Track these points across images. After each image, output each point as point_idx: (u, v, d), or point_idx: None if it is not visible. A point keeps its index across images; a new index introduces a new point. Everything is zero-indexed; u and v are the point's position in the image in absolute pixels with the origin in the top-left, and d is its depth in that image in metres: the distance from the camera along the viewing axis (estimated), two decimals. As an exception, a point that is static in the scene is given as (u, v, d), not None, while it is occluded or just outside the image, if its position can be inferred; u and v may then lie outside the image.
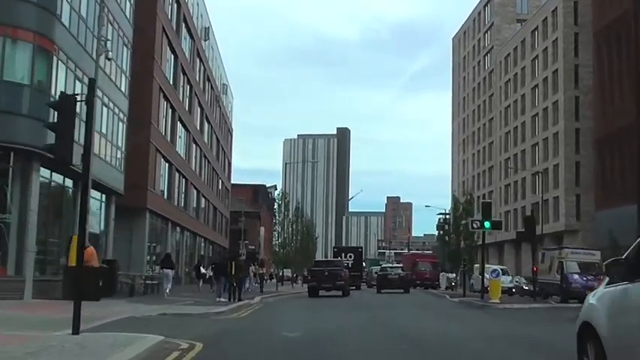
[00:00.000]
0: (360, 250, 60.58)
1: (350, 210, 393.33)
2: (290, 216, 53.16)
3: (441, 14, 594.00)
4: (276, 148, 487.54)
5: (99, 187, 28.59)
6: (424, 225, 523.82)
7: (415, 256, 73.73)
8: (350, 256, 53.29)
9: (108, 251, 30.52)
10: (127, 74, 32.31)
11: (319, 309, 24.13)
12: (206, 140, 61.41)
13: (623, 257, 5.85)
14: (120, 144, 31.43)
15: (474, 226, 31.89)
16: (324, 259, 53.05)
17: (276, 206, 47.18)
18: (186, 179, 50.05)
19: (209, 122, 63.06)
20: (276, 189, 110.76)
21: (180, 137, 47.42)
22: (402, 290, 40.82)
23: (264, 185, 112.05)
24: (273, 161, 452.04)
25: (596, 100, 65.44)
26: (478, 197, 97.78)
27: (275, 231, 50.78)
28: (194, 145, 53.76)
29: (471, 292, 38.40)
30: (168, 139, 42.75)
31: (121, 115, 31.10)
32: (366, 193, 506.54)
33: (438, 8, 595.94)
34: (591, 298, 6.35)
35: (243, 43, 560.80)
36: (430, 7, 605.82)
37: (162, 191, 41.77)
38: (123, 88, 31.53)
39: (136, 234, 36.28)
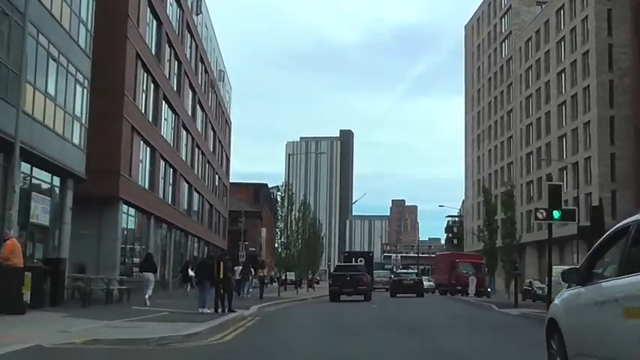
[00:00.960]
0: (370, 254, 60.05)
1: (354, 214, 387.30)
2: (294, 211, 46.81)
3: (442, 17, 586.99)
4: (279, 152, 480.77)
5: (48, 166, 21.99)
6: (429, 230, 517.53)
7: (454, 255, 65.50)
8: (360, 261, 51.55)
9: (62, 249, 23.87)
10: (89, 27, 25.68)
11: (339, 326, 17.42)
12: (199, 129, 54.82)
13: (578, 267, 7.49)
14: (79, 114, 24.77)
15: (539, 216, 25.15)
16: (345, 263, 51.31)
17: (278, 199, 40.61)
18: (174, 169, 43.43)
19: (203, 109, 56.48)
20: (278, 190, 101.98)
21: (166, 120, 40.80)
22: (414, 294, 42.20)
23: (266, 184, 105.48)
24: (275, 165, 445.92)
25: (634, 83, 58.80)
26: (495, 196, 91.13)
27: (277, 228, 44.03)
28: (184, 132, 47.15)
29: (525, 302, 33.02)
30: (150, 119, 36.13)
31: (80, 78, 24.43)
32: (370, 197, 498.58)
33: (439, 11, 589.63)
34: (556, 299, 7.86)
35: (242, 46, 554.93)
36: (432, 10, 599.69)
37: (142, 180, 35.10)
38: (82, 43, 24.87)
39: (106, 229, 29.62)
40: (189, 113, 49.30)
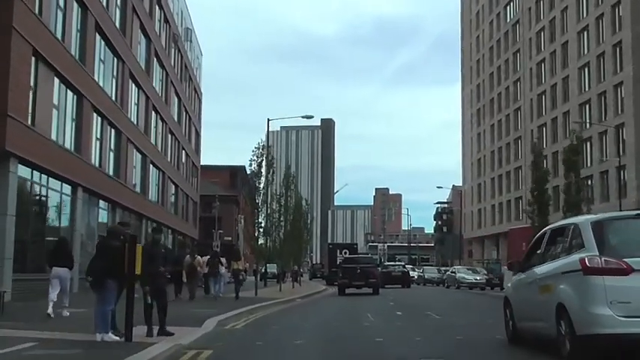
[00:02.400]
0: (355, 246, 59.03)
1: (336, 204, 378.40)
2: (276, 185, 36.92)
3: (422, 10, 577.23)
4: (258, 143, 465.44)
5: None
6: (413, 220, 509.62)
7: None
8: (345, 253, 50.94)
9: None
10: None
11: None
12: (157, 87, 44.60)
13: (521, 260, 11.22)
14: None
15: None
16: (354, 255, 47.86)
17: (253, 166, 30.48)
18: (119, 131, 33.27)
19: (163, 67, 46.31)
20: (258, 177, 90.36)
21: (102, 62, 30.58)
22: (400, 285, 43.88)
23: (244, 167, 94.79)
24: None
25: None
26: (500, 176, 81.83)
27: (255, 209, 33.94)
28: (133, 85, 36.94)
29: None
30: (72, 50, 25.88)
31: None
32: (352, 188, 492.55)
33: (420, 3, 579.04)
34: (508, 283, 12.29)
35: (222, 39, 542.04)
36: (412, 3, 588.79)
37: (59, 134, 24.86)
38: None
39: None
40: (142, 66, 39.10)
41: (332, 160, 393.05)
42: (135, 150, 37.38)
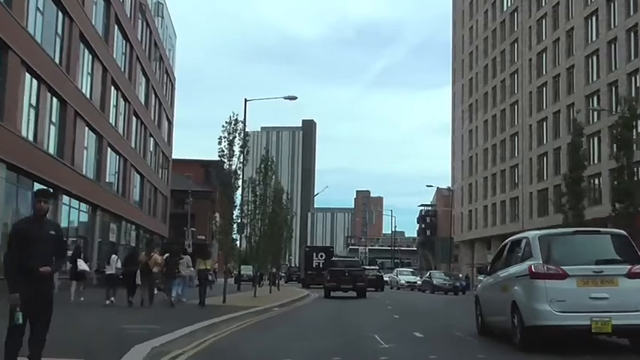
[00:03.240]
0: (331, 249, 59.12)
1: (316, 206, 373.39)
2: (251, 170, 31.37)
3: (404, 14, 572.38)
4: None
5: None
6: (390, 225, 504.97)
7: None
8: (321, 256, 51.30)
9: None
10: None
11: None
12: (120, 63, 38.92)
13: (488, 264, 14.38)
14: None
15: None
16: (341, 258, 53.91)
17: (223, 144, 24.63)
18: (64, 102, 27.56)
19: (127, 39, 40.66)
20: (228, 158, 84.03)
21: (40, 11, 24.89)
22: (374, 289, 43.74)
23: (220, 161, 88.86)
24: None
25: None
26: (494, 175, 76.79)
27: (230, 201, 28.09)
28: (87, 52, 31.26)
29: None
30: (30, 30, 20.24)
31: None
32: (332, 191, 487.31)
33: (402, 8, 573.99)
34: (479, 284, 15.39)
35: (205, 39, 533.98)
36: (394, 7, 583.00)
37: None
38: None
39: None
40: (96, 27, 33.39)
41: (312, 162, 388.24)
42: (87, 127, 31.72)
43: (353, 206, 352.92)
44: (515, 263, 11.67)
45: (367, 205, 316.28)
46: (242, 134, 25.38)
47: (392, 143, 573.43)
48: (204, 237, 72.03)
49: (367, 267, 56.56)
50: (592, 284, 10.33)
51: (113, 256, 23.16)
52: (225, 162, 24.88)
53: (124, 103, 40.45)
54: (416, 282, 57.19)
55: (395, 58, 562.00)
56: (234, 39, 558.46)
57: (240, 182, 28.24)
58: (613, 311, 10.16)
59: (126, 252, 30.14)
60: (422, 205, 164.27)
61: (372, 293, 39.59)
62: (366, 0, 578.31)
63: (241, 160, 25.34)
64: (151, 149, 51.91)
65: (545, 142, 63.89)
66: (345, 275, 33.59)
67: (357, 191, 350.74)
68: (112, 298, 21.06)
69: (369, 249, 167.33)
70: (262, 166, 32.79)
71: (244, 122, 30.20)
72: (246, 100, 39.39)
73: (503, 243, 13.36)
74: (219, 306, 21.62)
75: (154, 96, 51.97)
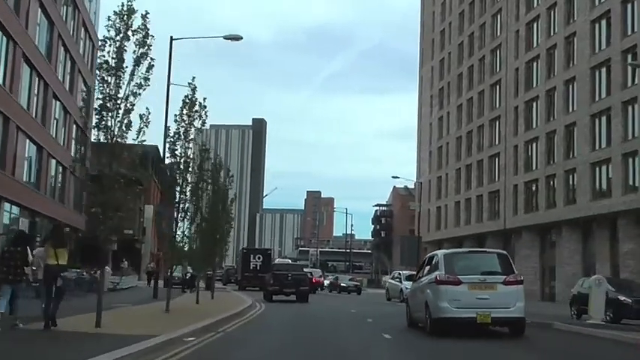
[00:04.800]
0: (269, 252, 58.85)
1: (265, 207, 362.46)
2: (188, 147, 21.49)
3: (356, 19, 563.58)
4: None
5: None
6: (344, 227, 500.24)
7: None
8: (259, 258, 51.40)
9: None
10: None
11: None
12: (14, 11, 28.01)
13: (415, 273, 21.57)
14: None
15: None
16: (284, 262, 53.72)
17: (108, 51, 14.88)
18: None
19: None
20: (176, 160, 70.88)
21: None
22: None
23: (156, 146, 77.30)
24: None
25: None
26: (468, 165, 67.43)
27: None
28: None
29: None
30: None
31: None
32: (283, 193, 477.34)
33: (353, 12, 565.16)
34: (409, 289, 20.57)
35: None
36: (345, 12, 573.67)
37: None
38: None
39: None
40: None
41: (262, 162, 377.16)
42: None
43: (303, 208, 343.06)
44: (430, 273, 16.22)
45: (318, 206, 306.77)
46: (144, 34, 14.70)
47: (343, 147, 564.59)
48: (131, 231, 60.78)
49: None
50: (478, 289, 14.90)
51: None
52: (108, 89, 14.33)
53: (29, 73, 29.69)
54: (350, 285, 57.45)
55: (346, 62, 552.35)
56: (182, 40, 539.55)
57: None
58: (492, 308, 14.73)
59: None
60: (377, 205, 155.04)
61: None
62: (318, 4, 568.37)
63: (141, 83, 14.72)
64: (56, 116, 40.91)
65: (534, 125, 54.64)
66: (288, 279, 33.21)
67: (307, 191, 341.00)
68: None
69: (320, 251, 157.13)
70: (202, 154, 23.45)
71: (169, 66, 20.95)
72: (172, 39, 29.34)
73: (425, 257, 19.83)
74: (81, 334, 11.23)
75: (62, 50, 41.04)
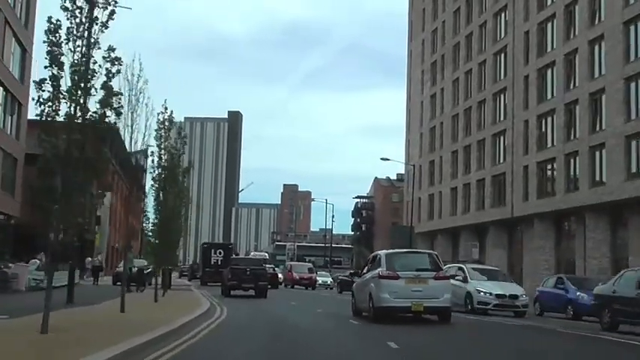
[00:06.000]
0: (230, 246, 58.23)
1: (241, 201, 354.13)
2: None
3: (333, 16, 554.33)
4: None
5: None
6: (321, 222, 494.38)
7: None
8: (220, 253, 50.24)
9: None
10: None
11: None
12: None
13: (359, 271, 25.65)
14: None
15: None
16: (243, 256, 58.74)
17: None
18: None
19: None
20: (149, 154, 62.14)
21: None
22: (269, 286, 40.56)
23: (116, 127, 68.86)
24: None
25: None
26: (467, 147, 59.77)
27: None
28: None
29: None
30: None
31: None
32: (258, 188, 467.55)
33: (330, 10, 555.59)
34: (355, 283, 21.97)
35: (132, 35, 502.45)
36: (322, 8, 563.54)
37: None
38: None
39: None
40: None
41: (238, 156, 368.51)
42: None
43: (280, 202, 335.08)
44: (373, 269, 18.85)
45: (294, 199, 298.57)
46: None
47: (320, 144, 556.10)
48: (81, 220, 52.29)
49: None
50: (413, 283, 17.53)
51: None
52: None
53: None
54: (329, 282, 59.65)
55: (324, 59, 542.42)
56: (156, 35, 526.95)
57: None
58: (424, 298, 17.40)
59: None
60: (358, 197, 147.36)
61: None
62: (295, 0, 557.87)
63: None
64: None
65: (550, 95, 47.02)
66: (246, 274, 32.84)
67: (284, 184, 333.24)
68: None
69: (297, 245, 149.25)
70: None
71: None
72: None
73: (370, 255, 23.38)
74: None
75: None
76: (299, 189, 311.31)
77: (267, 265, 53.03)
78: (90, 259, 47.27)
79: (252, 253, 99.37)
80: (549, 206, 45.95)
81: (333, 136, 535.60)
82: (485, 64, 56.69)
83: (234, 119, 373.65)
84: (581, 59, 43.03)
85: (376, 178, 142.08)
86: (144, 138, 17.98)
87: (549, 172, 46.77)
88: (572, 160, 43.96)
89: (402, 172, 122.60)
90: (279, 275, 56.43)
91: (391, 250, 20.82)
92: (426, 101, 68.95)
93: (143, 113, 17.77)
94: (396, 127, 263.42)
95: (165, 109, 23.10)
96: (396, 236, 66.22)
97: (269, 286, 36.59)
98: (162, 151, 23.15)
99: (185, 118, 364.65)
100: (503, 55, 53.91)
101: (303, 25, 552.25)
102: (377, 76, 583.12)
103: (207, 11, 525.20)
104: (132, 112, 17.10)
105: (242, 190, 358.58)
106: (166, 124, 23.17)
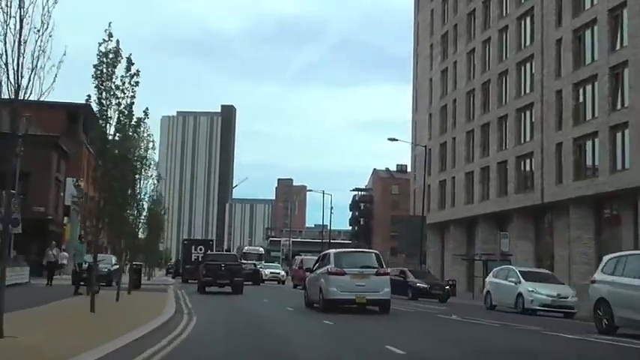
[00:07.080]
0: (210, 242, 58.89)
1: (235, 197, 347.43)
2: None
3: (326, 11, 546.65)
4: (154, 129, 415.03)
5: None
6: (317, 218, 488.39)
7: None
8: (200, 249, 48.92)
9: None
10: None
11: None
12: None
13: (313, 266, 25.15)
14: None
15: None
16: (218, 252, 55.69)
17: None
18: None
19: None
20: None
21: None
22: (251, 283, 43.39)
23: (89, 106, 61.65)
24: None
25: None
26: (484, 125, 52.90)
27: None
28: None
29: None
30: None
31: None
32: (253, 185, 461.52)
33: (323, 5, 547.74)
34: (307, 278, 23.91)
35: (125, 31, 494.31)
36: (315, 4, 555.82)
37: None
38: None
39: None
40: None
41: (232, 151, 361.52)
42: None
43: (274, 197, 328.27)
44: (324, 266, 21.19)
45: (289, 194, 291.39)
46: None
47: (315, 139, 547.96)
48: (43, 209, 45.23)
49: (242, 261, 54.70)
50: (357, 278, 19.84)
51: None
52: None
53: None
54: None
55: (318, 55, 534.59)
56: (150, 30, 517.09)
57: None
58: (367, 292, 19.79)
59: None
60: (355, 190, 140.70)
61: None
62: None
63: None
64: None
65: (589, 60, 40.14)
66: (221, 270, 31.89)
67: (278, 179, 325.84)
68: None
69: (292, 241, 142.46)
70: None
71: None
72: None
73: (321, 254, 24.94)
74: None
75: None
76: (294, 183, 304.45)
77: (249, 262, 53.09)
78: (51, 252, 40.10)
79: (245, 248, 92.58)
80: (589, 189, 39.15)
81: (329, 131, 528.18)
82: (506, 30, 49.81)
83: (228, 113, 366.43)
84: (632, 15, 36.18)
85: (375, 169, 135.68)
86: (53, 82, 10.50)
87: (589, 149, 39.94)
88: (618, 134, 37.13)
89: (403, 162, 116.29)
90: (282, 273, 56.58)
91: (339, 250, 24.84)
92: (436, 78, 62.06)
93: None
94: (393, 122, 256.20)
95: (110, 36, 16.19)
96: (403, 229, 59.33)
97: (250, 283, 37.73)
98: (103, 94, 16.26)
99: (178, 112, 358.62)
100: (528, 19, 47.07)
101: (296, 21, 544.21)
102: (372, 71, 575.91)
103: (200, 6, 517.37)
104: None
105: (236, 185, 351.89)
106: (109, 56, 16.25)
